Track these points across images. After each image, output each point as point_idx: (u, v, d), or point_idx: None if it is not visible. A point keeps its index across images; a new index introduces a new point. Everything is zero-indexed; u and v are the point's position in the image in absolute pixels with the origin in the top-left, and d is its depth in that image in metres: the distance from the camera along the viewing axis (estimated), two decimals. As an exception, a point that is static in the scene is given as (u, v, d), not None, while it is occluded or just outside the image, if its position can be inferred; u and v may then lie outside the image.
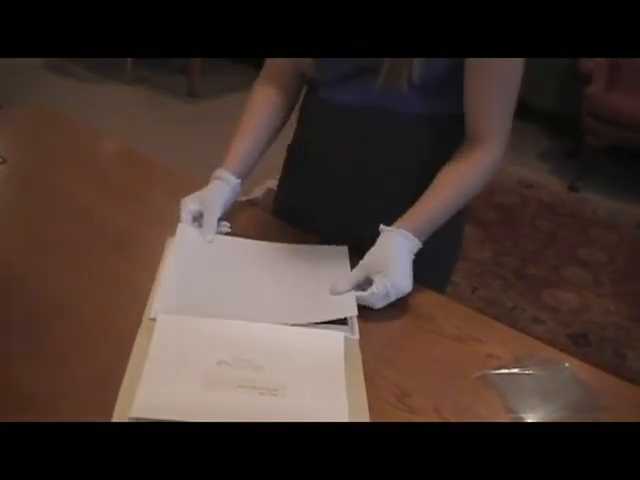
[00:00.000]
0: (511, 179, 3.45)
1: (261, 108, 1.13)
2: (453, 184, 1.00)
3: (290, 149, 1.23)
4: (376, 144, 1.05)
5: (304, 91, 1.17)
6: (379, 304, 0.94)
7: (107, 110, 3.57)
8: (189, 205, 1.07)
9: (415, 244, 0.97)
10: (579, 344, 2.37)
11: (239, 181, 1.11)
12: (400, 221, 0.98)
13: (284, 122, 1.16)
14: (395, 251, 0.95)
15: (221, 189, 1.09)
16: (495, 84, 0.95)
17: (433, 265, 1.05)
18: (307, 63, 1.04)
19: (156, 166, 1.32)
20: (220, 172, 1.10)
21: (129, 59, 4.00)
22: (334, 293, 0.95)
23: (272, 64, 1.14)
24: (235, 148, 1.12)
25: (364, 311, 0.93)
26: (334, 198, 1.12)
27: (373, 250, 0.96)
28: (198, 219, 1.08)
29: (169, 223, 1.07)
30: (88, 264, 1.00)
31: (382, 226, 0.98)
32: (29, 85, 3.73)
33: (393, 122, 1.03)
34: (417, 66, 0.93)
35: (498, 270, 2.74)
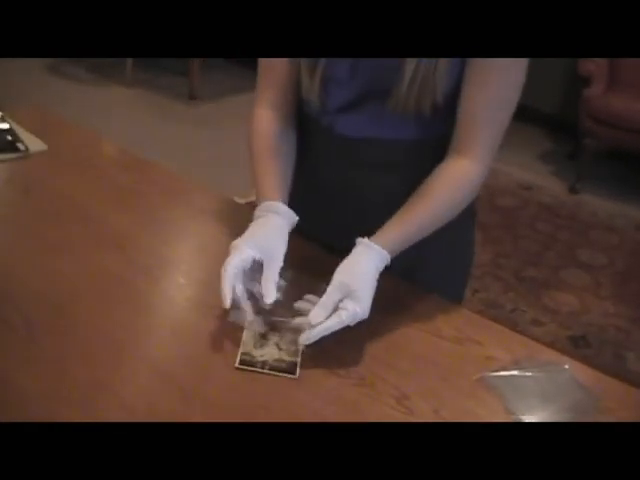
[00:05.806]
0: (511, 181, 3.45)
1: (273, 139, 1.02)
2: (436, 198, 0.94)
3: None
4: (370, 172, 1.03)
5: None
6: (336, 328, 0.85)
7: (107, 112, 3.57)
8: (245, 251, 0.86)
9: (385, 262, 0.90)
10: (579, 346, 2.37)
11: (296, 218, 0.95)
12: (379, 235, 0.91)
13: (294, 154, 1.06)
14: (366, 273, 0.88)
15: (282, 232, 0.91)
16: (493, 92, 0.91)
17: (446, 277, 1.00)
18: (313, 90, 0.97)
19: (156, 168, 1.32)
20: (276, 205, 0.93)
21: (129, 61, 4.00)
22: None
23: (269, 91, 1.04)
24: (270, 177, 0.98)
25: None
26: (330, 217, 1.09)
27: (344, 268, 0.88)
28: (249, 273, 0.88)
29: (168, 225, 1.07)
30: (87, 265, 1.00)
31: (359, 238, 0.90)
32: (29, 86, 3.74)
33: (386, 150, 1.01)
34: (440, 88, 0.90)
35: (498, 272, 2.74)
